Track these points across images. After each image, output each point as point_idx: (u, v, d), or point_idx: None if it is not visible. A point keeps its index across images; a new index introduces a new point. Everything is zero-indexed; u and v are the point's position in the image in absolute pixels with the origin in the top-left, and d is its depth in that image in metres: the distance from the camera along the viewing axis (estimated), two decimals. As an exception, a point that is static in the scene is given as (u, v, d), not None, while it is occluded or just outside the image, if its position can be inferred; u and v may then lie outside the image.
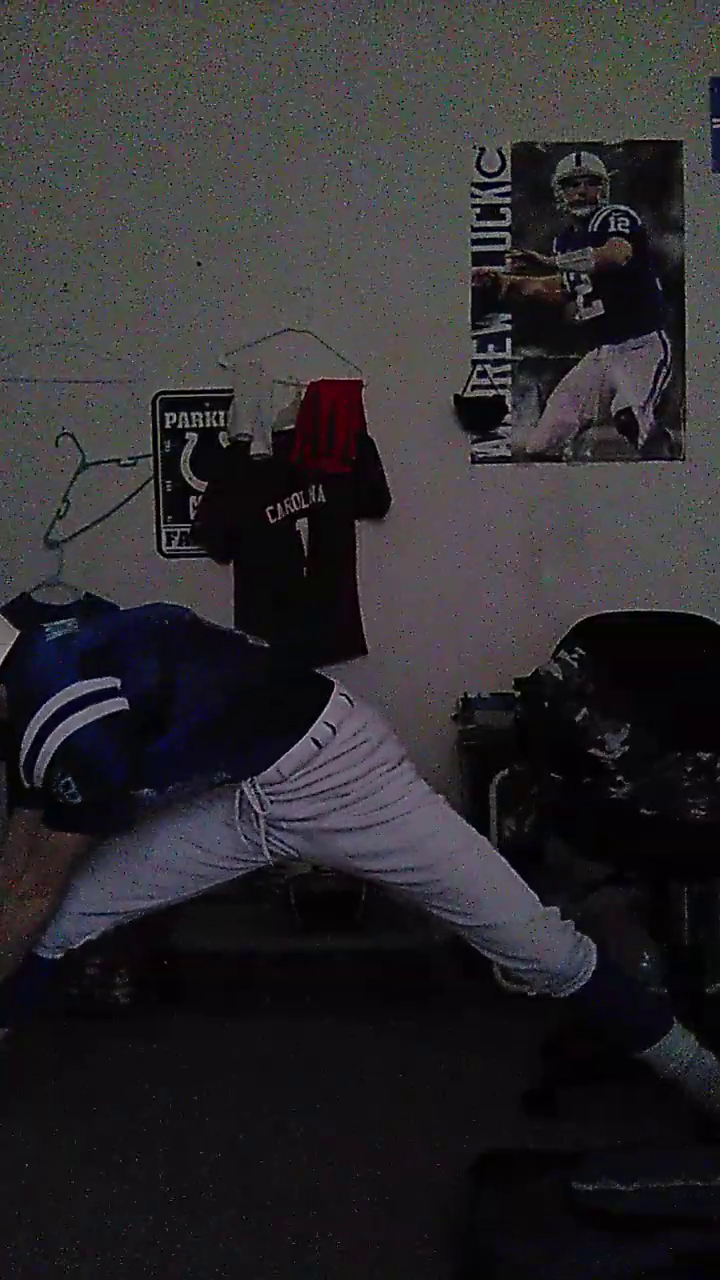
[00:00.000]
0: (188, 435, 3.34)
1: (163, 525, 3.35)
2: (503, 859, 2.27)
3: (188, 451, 3.34)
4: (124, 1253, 1.99)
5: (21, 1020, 2.34)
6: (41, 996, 2.36)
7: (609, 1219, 1.82)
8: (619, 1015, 2.28)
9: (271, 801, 2.16)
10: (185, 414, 3.33)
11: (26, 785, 2.08)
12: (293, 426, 3.26)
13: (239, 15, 3.25)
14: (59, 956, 2.28)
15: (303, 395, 3.25)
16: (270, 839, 2.20)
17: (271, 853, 2.22)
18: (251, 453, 3.23)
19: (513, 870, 2.25)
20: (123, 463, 3.33)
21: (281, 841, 2.22)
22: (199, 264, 3.30)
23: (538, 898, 2.25)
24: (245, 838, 2.21)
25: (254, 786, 2.14)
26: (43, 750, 2.00)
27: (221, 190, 3.28)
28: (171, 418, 3.33)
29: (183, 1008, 2.93)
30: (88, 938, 2.29)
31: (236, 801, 2.17)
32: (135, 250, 3.29)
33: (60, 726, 1.99)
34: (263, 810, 2.16)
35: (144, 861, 2.26)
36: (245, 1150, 2.30)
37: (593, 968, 2.24)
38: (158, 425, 3.33)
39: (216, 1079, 2.60)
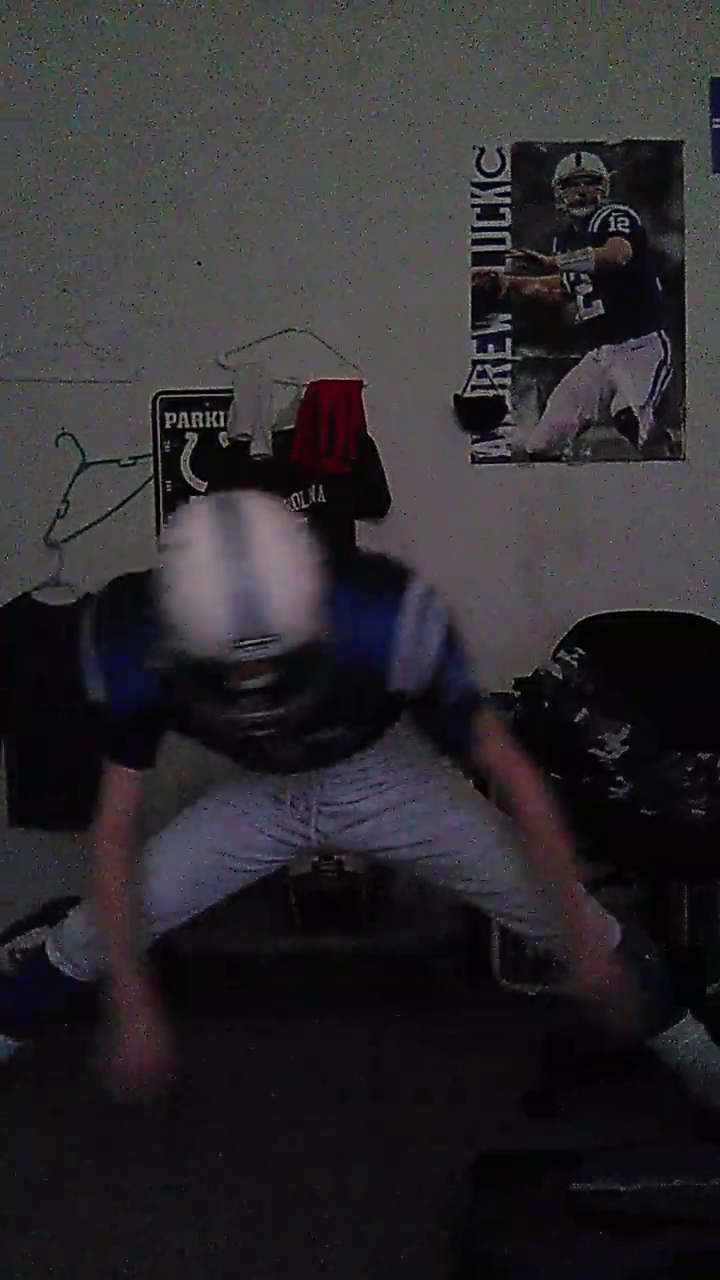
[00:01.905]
0: (188, 435, 3.34)
1: (163, 525, 3.35)
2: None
3: (188, 451, 3.34)
4: (124, 1253, 1.99)
5: (35, 1036, 2.34)
6: (60, 1014, 2.34)
7: (609, 1219, 1.82)
8: (634, 994, 2.26)
9: (332, 783, 2.16)
10: (185, 414, 3.33)
11: None
12: (293, 426, 3.26)
13: (239, 14, 3.25)
14: (86, 979, 2.25)
15: (303, 395, 3.25)
16: (317, 822, 2.19)
17: (309, 837, 2.21)
18: (251, 453, 3.23)
19: None
20: (123, 463, 3.33)
21: (320, 828, 2.21)
22: (199, 264, 3.30)
23: None
24: (286, 827, 2.20)
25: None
26: None
27: (221, 190, 3.28)
28: (171, 418, 3.33)
29: (182, 1008, 2.92)
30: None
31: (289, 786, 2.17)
32: (135, 250, 3.28)
33: None
34: (321, 788, 2.15)
35: (179, 882, 2.24)
36: (245, 1150, 2.30)
37: (617, 938, 2.22)
38: (158, 425, 3.33)
39: (216, 1079, 2.60)
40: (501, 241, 3.32)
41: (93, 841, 2.13)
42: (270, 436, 3.24)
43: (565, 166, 3.30)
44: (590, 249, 3.32)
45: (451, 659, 1.93)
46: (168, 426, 3.33)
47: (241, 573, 1.64)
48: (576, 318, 3.33)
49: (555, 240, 3.32)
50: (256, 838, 2.24)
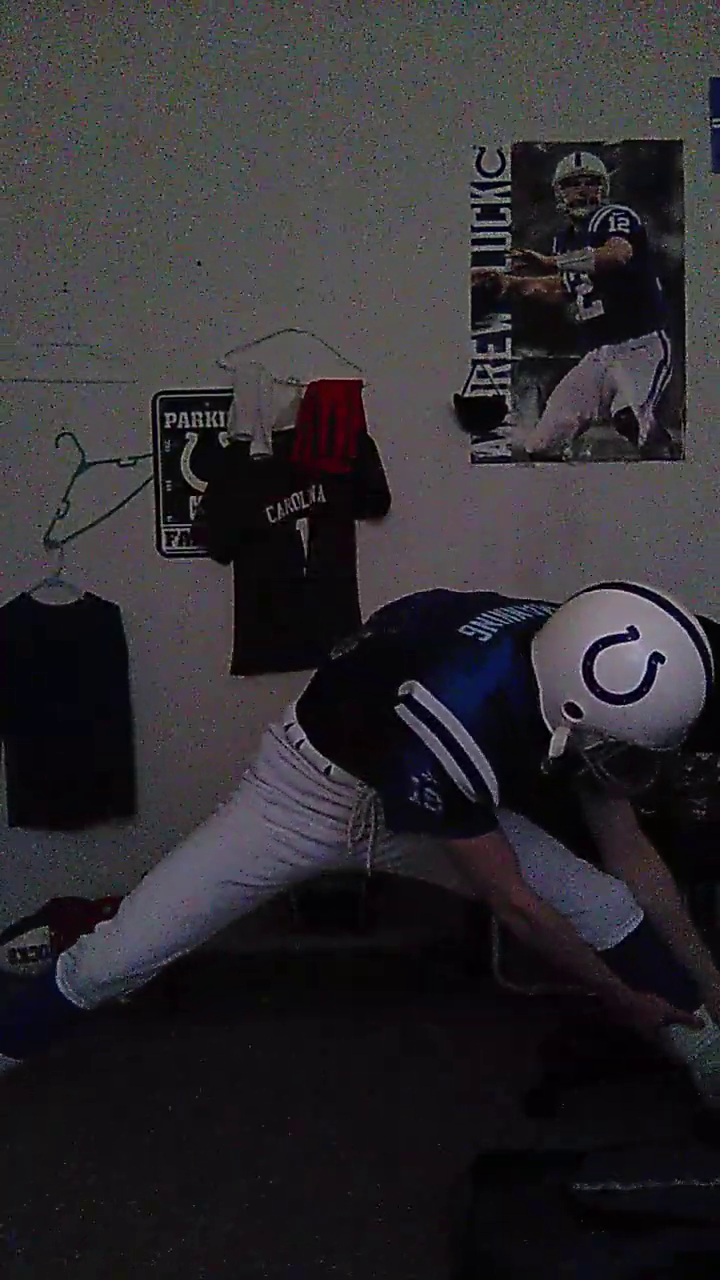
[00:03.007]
0: (188, 435, 3.34)
1: (163, 525, 3.35)
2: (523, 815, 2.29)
3: (188, 451, 3.34)
4: (124, 1253, 1.99)
5: (35, 1057, 2.37)
6: (60, 1038, 2.39)
7: (609, 1219, 1.82)
8: (652, 980, 2.26)
9: None
10: (185, 414, 3.33)
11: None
12: (293, 426, 3.26)
13: (239, 14, 3.25)
14: (89, 1009, 2.29)
15: (303, 395, 3.25)
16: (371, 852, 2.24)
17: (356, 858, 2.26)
18: (251, 453, 3.23)
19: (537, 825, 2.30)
20: (123, 463, 3.33)
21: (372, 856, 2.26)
22: (199, 264, 3.30)
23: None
24: (338, 849, 2.24)
25: None
26: None
27: (221, 190, 3.28)
28: (171, 418, 3.33)
29: (182, 1008, 2.93)
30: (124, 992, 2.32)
31: (357, 809, 2.20)
32: (135, 250, 3.28)
33: None
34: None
35: (196, 914, 2.27)
36: (245, 1150, 2.30)
37: (639, 920, 2.25)
38: (158, 425, 3.33)
39: (216, 1079, 2.60)
40: (501, 241, 3.31)
41: (518, 912, 2.15)
42: (270, 436, 3.24)
43: (565, 166, 3.30)
44: (590, 249, 3.32)
45: None
46: (168, 426, 3.33)
47: (710, 672, 1.90)
48: (576, 318, 3.33)
49: (555, 240, 3.32)
50: (275, 851, 2.26)
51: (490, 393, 3.33)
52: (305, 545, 3.29)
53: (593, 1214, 1.83)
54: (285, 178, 3.28)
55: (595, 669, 1.89)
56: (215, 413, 3.31)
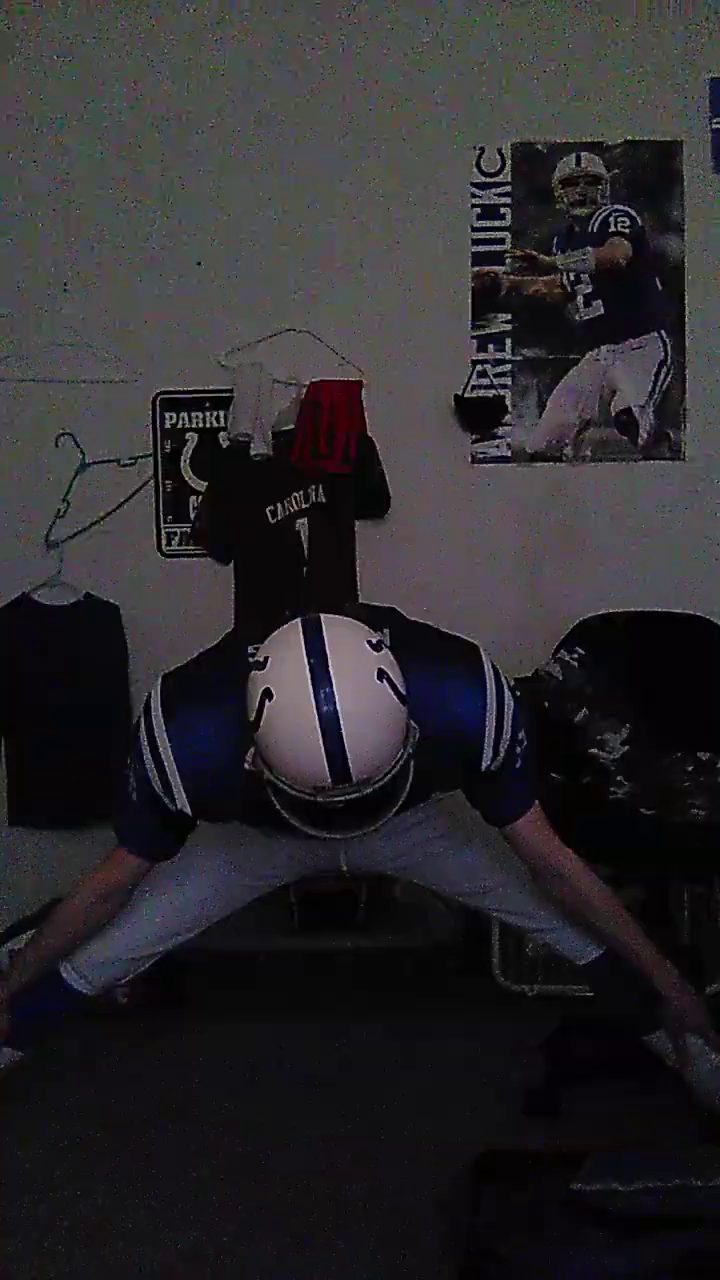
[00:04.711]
0: (188, 435, 3.34)
1: (163, 525, 3.35)
2: None
3: (188, 451, 3.34)
4: (124, 1252, 1.99)
5: (37, 1046, 2.36)
6: (59, 1026, 2.38)
7: (609, 1219, 1.82)
8: (634, 991, 2.27)
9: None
10: (185, 414, 3.33)
11: None
12: (293, 426, 3.26)
13: (239, 14, 3.25)
14: (92, 994, 2.29)
15: (303, 395, 3.25)
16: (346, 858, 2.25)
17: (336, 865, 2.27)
18: (251, 453, 3.23)
19: None
20: (123, 463, 3.33)
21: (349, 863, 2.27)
22: (199, 264, 3.30)
23: None
24: (313, 856, 2.25)
25: None
26: None
27: (221, 190, 3.28)
28: (171, 418, 3.33)
29: (183, 1008, 2.93)
30: (128, 978, 2.32)
31: None
32: (135, 250, 3.28)
33: None
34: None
35: (196, 899, 2.29)
36: (245, 1150, 2.30)
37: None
38: (158, 425, 3.33)
39: (216, 1079, 2.60)
40: (501, 241, 3.31)
41: (79, 888, 2.19)
42: (270, 436, 3.24)
43: (565, 166, 3.30)
44: (590, 249, 3.32)
45: (519, 734, 1.98)
46: (168, 426, 3.33)
47: (331, 728, 1.66)
48: (576, 318, 3.33)
49: (555, 240, 3.32)
50: (279, 859, 2.28)
51: (490, 393, 3.32)
52: (305, 545, 3.29)
53: (593, 1214, 1.83)
54: (285, 178, 3.28)
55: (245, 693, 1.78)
56: (215, 413, 3.31)
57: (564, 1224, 1.83)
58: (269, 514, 3.28)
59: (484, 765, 1.95)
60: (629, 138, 3.29)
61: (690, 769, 2.79)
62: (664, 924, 2.71)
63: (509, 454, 3.35)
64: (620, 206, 3.31)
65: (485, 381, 3.33)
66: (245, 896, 2.35)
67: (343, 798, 1.70)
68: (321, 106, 3.26)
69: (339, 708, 1.66)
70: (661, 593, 3.17)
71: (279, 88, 3.26)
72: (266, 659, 1.76)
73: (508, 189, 3.30)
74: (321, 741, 1.66)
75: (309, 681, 1.68)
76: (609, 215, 3.31)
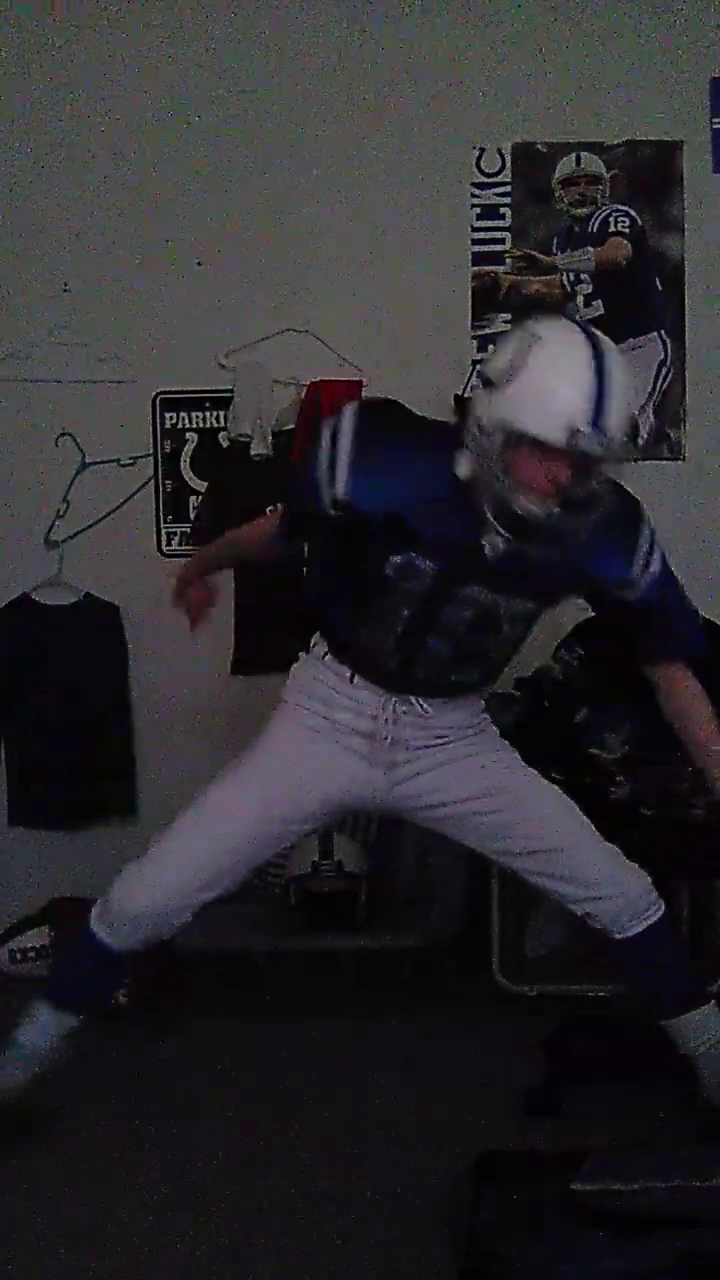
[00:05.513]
0: (188, 435, 3.34)
1: (163, 525, 3.35)
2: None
3: (188, 451, 3.34)
4: (124, 1253, 1.99)
5: (88, 1012, 2.31)
6: (104, 990, 2.35)
7: (609, 1219, 1.82)
8: (666, 972, 2.27)
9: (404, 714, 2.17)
10: (185, 414, 3.33)
11: None
12: (293, 426, 3.25)
13: (239, 14, 3.25)
14: (117, 950, 2.23)
15: (303, 395, 3.25)
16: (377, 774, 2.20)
17: (371, 788, 2.21)
18: (251, 453, 3.23)
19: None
20: (123, 463, 3.33)
21: (380, 781, 2.21)
22: (199, 264, 3.30)
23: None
24: (346, 773, 2.20)
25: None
26: None
27: (221, 190, 3.28)
28: (171, 418, 3.33)
29: (183, 1008, 2.93)
30: (176, 927, 2.25)
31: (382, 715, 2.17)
32: (135, 250, 3.29)
33: None
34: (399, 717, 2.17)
35: (226, 846, 2.21)
36: (245, 1150, 2.30)
37: (660, 912, 2.25)
38: (158, 425, 3.33)
39: (216, 1079, 2.60)
40: (501, 241, 3.32)
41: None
42: (270, 436, 3.24)
43: (565, 166, 3.30)
44: (590, 249, 3.32)
45: (672, 589, 2.18)
46: (168, 426, 3.33)
47: (601, 367, 1.84)
48: (576, 318, 3.33)
49: (555, 240, 3.32)
50: (311, 784, 2.22)
51: (490, 393, 3.32)
52: (305, 545, 3.28)
53: (593, 1214, 1.83)
54: (285, 177, 3.28)
55: (483, 363, 1.96)
56: (215, 413, 3.31)
57: (564, 1224, 1.83)
58: (269, 514, 3.27)
59: (634, 567, 2.09)
60: (629, 138, 3.29)
61: (690, 769, 2.78)
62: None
63: (509, 454, 3.34)
64: (620, 206, 3.31)
65: (485, 381, 3.33)
66: (274, 843, 2.28)
67: (588, 448, 1.82)
68: (321, 106, 3.26)
69: (608, 361, 1.85)
70: (661, 593, 3.17)
71: (279, 88, 3.26)
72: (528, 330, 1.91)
73: (508, 189, 3.30)
74: (592, 374, 1.83)
75: (583, 335, 1.88)
76: (609, 215, 3.31)
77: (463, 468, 1.95)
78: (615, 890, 2.24)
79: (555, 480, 1.86)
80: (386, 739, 2.18)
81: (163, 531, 3.36)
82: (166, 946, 2.90)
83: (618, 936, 2.25)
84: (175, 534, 3.35)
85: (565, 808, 2.28)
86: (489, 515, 1.91)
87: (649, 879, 2.27)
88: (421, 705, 2.17)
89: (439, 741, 2.21)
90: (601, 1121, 2.30)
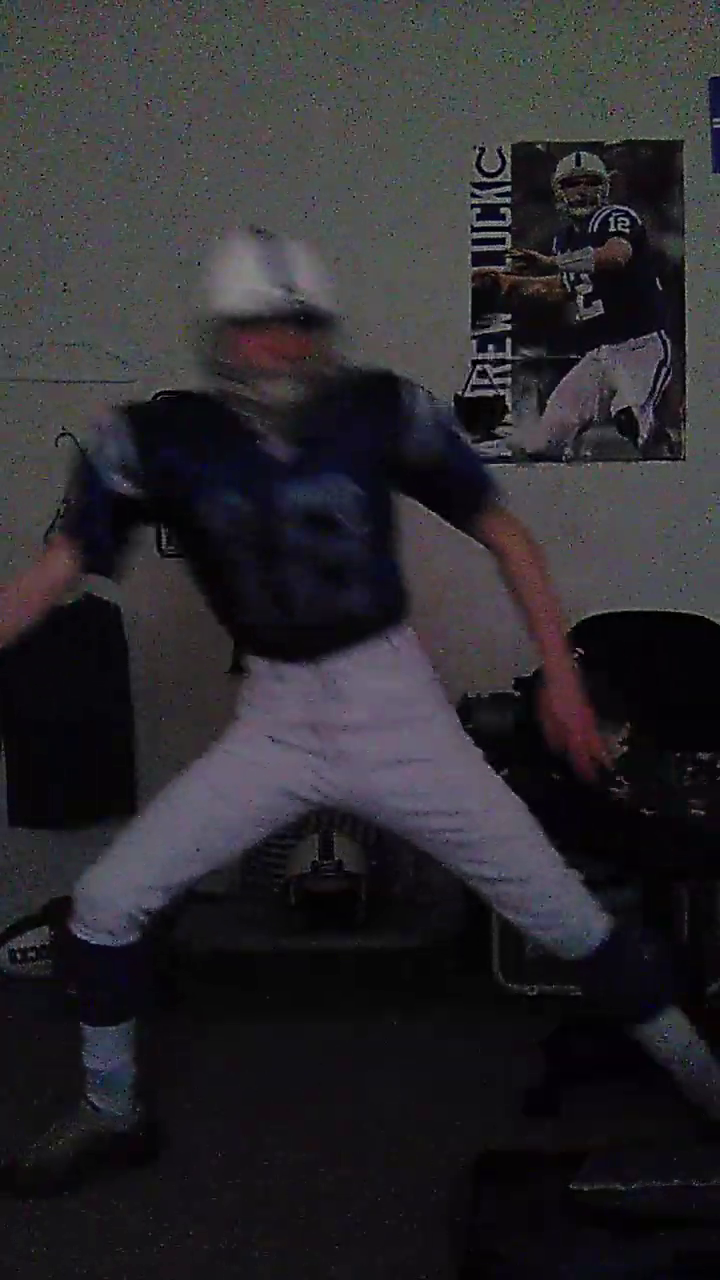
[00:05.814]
0: (188, 435, 3.33)
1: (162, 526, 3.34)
2: (531, 816, 2.24)
3: (188, 451, 3.33)
4: (124, 1252, 1.99)
5: (139, 1008, 2.28)
6: (140, 981, 2.29)
7: (609, 1219, 1.82)
8: (622, 986, 2.25)
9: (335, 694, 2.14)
10: (185, 414, 3.33)
11: None
12: (292, 426, 3.25)
13: (239, 14, 3.25)
14: (133, 939, 2.21)
15: (303, 395, 3.24)
16: (325, 768, 2.17)
17: (320, 786, 2.18)
18: (251, 453, 3.23)
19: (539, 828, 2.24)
20: (123, 463, 3.32)
21: (328, 777, 2.17)
22: (199, 264, 3.29)
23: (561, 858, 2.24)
24: (294, 772, 2.18)
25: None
26: None
27: (221, 190, 3.28)
28: (171, 418, 3.33)
29: (182, 1008, 2.93)
30: (148, 912, 2.22)
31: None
32: (135, 250, 3.28)
33: None
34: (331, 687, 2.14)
35: (187, 832, 2.24)
36: (245, 1150, 2.30)
37: (604, 939, 2.21)
38: (158, 425, 3.33)
39: (216, 1079, 2.60)
40: (501, 241, 3.32)
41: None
42: (270, 436, 3.24)
43: (565, 166, 3.30)
44: (590, 249, 3.32)
45: (453, 433, 2.28)
46: (168, 426, 3.33)
47: (270, 240, 2.08)
48: (576, 318, 3.33)
49: (555, 240, 3.32)
50: (264, 785, 2.21)
51: (490, 393, 3.33)
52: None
53: (593, 1214, 1.83)
54: (285, 177, 3.28)
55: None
56: (215, 413, 3.30)
57: (564, 1224, 1.83)
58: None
59: (404, 407, 2.22)
60: (629, 138, 3.29)
61: (690, 769, 2.78)
62: (664, 924, 2.71)
63: (509, 454, 3.35)
64: (620, 206, 3.31)
65: (485, 381, 3.33)
66: (238, 839, 2.26)
67: (278, 305, 2.00)
68: (322, 106, 3.26)
69: (277, 239, 2.08)
70: (661, 593, 3.17)
71: (279, 87, 3.26)
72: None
73: (508, 189, 3.30)
74: (259, 244, 2.07)
75: (249, 228, 2.10)
76: (609, 215, 3.31)
77: (211, 387, 2.08)
78: (575, 911, 2.21)
79: (279, 352, 2.01)
80: (330, 725, 2.14)
81: (163, 531, 3.35)
82: (166, 946, 2.92)
83: (567, 958, 2.25)
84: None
85: (538, 835, 2.21)
86: (249, 417, 2.04)
87: (594, 904, 2.22)
88: (345, 666, 2.13)
89: (390, 723, 2.15)
90: (601, 1121, 2.30)
